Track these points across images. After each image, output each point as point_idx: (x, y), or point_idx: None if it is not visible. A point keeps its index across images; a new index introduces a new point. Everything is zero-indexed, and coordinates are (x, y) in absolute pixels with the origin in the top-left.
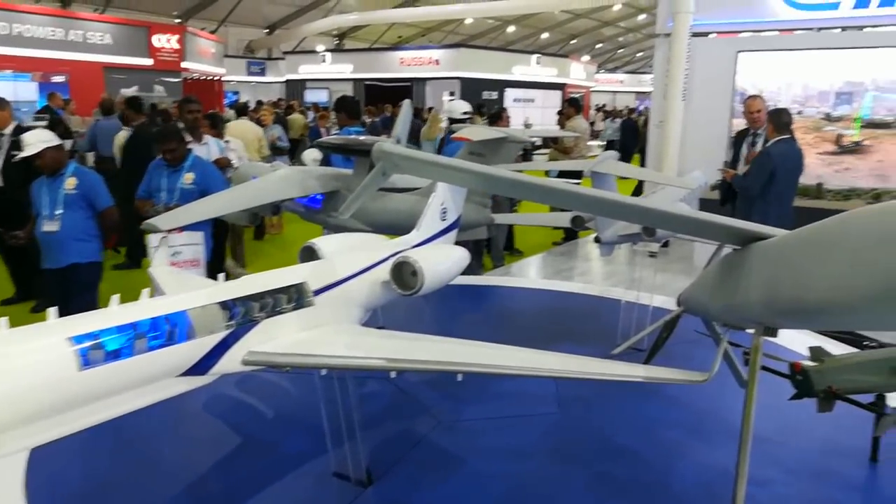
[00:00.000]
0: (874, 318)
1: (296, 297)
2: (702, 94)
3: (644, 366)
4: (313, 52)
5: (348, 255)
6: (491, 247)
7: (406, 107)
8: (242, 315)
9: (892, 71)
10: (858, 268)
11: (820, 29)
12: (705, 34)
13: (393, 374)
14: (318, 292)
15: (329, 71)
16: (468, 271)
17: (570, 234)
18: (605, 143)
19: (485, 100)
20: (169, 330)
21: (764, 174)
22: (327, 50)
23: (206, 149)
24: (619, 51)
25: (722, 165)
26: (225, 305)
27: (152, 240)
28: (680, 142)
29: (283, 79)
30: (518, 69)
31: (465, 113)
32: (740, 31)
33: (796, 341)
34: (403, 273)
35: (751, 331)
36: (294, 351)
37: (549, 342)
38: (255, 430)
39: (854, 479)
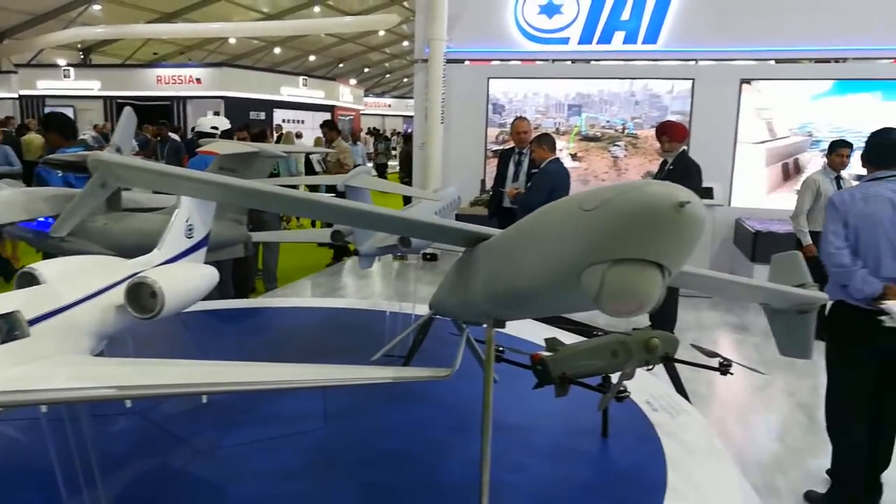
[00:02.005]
0: (568, 300)
1: (5, 328)
2: (459, 117)
3: (393, 367)
4: (54, 65)
5: (75, 279)
6: (263, 269)
7: (127, 114)
8: None
9: (605, 95)
10: (546, 256)
11: (554, 60)
12: (461, 61)
13: (129, 404)
14: (34, 321)
15: (73, 87)
16: (238, 294)
17: (341, 254)
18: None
19: (252, 120)
20: None
21: (546, 190)
22: (70, 64)
23: None
24: (386, 76)
25: (479, 183)
26: None
27: None
28: (441, 161)
29: (16, 95)
30: (286, 90)
31: (213, 128)
32: (491, 60)
33: (538, 335)
34: (141, 295)
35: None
36: (1, 389)
37: (317, 358)
38: None
39: (590, 454)
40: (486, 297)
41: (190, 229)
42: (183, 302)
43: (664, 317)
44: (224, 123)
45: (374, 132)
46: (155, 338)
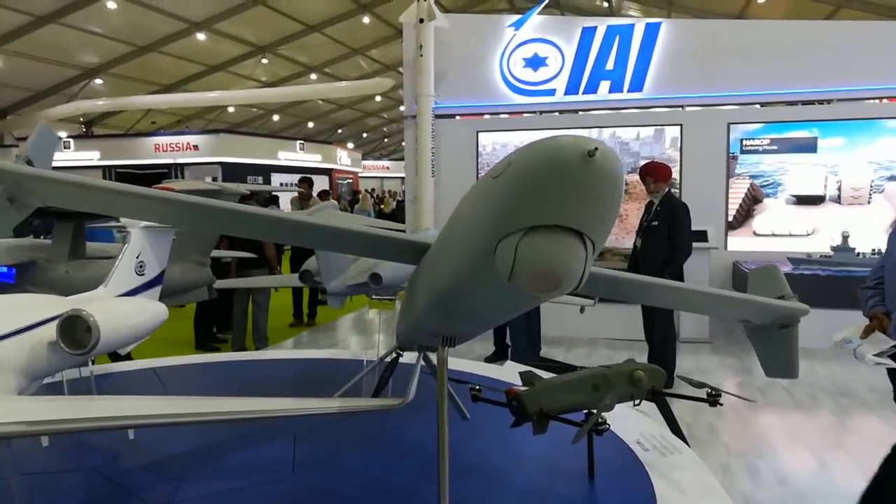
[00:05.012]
0: (496, 295)
1: None
2: (450, 170)
3: (340, 398)
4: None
5: (3, 315)
6: (253, 328)
7: (42, 127)
8: None
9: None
10: (463, 239)
11: (542, 112)
12: (452, 116)
13: (45, 442)
14: None
15: (73, 158)
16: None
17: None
18: None
19: (252, 184)
20: None
21: None
22: (71, 136)
23: None
24: (384, 140)
25: None
26: None
27: None
28: (433, 215)
29: None
30: (284, 154)
31: None
32: (482, 114)
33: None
34: (76, 330)
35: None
36: None
37: None
38: None
39: (574, 497)
40: (427, 309)
41: (141, 266)
42: (123, 338)
43: (663, 361)
44: None
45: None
46: (119, 391)
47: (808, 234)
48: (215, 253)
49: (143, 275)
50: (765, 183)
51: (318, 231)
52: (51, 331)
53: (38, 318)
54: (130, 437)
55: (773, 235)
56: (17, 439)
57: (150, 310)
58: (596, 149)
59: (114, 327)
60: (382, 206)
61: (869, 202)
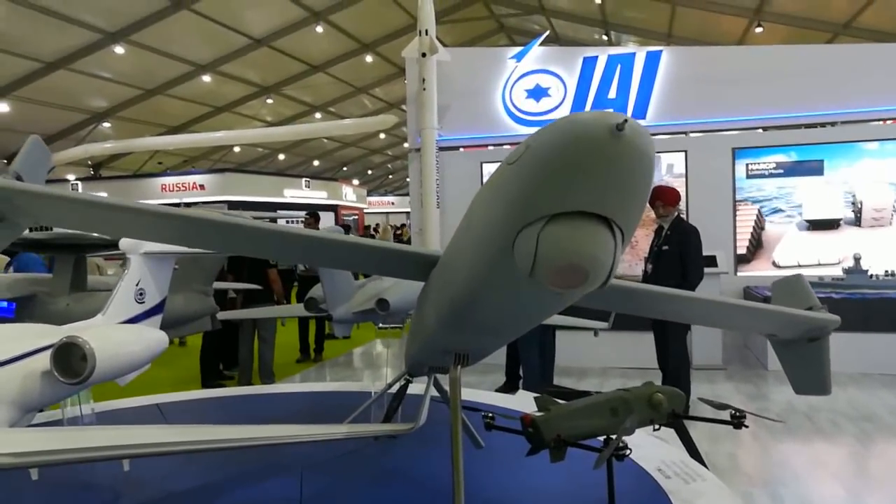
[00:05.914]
0: (513, 301)
1: None
2: (455, 202)
3: (347, 424)
4: (63, 180)
5: None
6: (259, 364)
7: (33, 141)
8: None
9: None
10: (477, 237)
11: None
12: (455, 148)
13: (35, 475)
14: None
15: None
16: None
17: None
18: None
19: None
20: None
21: None
22: (79, 178)
23: None
24: (389, 176)
25: None
26: None
27: None
28: (440, 247)
29: None
30: (289, 192)
31: None
32: (486, 145)
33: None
34: (72, 358)
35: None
36: None
37: None
38: None
39: None
40: (439, 323)
41: (141, 294)
42: (121, 366)
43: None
44: None
45: (375, 228)
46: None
47: (839, 262)
48: (220, 285)
49: (143, 303)
50: (766, 206)
51: (324, 245)
52: (44, 360)
53: (30, 347)
54: (126, 468)
55: (800, 266)
56: (7, 474)
57: (150, 337)
58: (625, 121)
59: (111, 355)
60: (401, 235)
61: (891, 223)
